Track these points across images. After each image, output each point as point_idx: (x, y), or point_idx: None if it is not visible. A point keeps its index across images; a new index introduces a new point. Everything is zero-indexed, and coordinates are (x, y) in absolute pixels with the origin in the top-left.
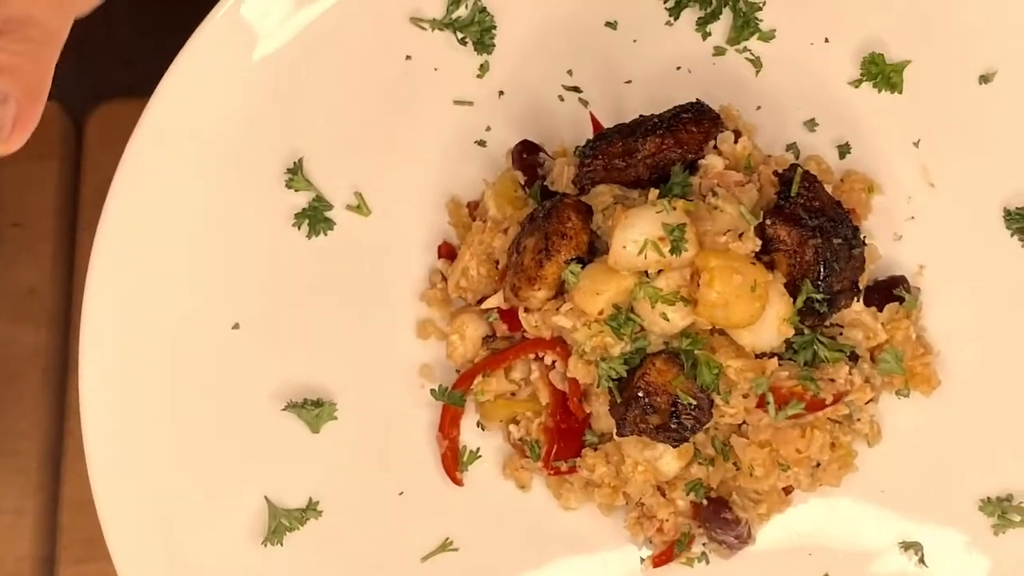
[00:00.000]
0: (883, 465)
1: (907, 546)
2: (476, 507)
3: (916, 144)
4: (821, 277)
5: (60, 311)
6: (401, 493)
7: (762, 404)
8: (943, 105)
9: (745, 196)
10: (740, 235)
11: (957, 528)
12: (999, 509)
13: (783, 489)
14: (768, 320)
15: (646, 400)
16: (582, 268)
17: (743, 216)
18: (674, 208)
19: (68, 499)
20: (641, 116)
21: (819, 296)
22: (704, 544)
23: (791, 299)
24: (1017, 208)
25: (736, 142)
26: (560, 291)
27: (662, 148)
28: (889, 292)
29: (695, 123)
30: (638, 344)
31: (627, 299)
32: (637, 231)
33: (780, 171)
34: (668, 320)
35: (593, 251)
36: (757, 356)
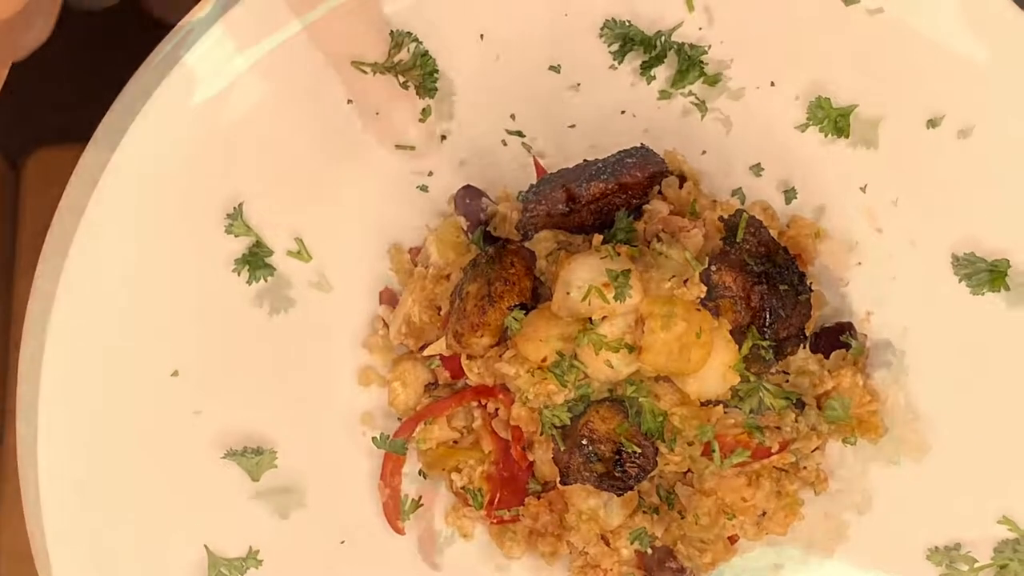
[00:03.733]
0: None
1: None
2: (418, 556)
3: (863, 189)
4: (767, 324)
5: None
6: (342, 542)
7: (707, 452)
8: (890, 150)
9: (690, 242)
10: (685, 281)
11: None
12: (947, 558)
13: (729, 538)
14: (713, 367)
15: (590, 448)
16: (525, 315)
17: (688, 262)
18: (618, 254)
19: (6, 550)
20: (585, 161)
21: (765, 343)
22: None
23: (736, 346)
24: (965, 254)
25: (681, 187)
26: (503, 338)
27: (606, 193)
28: (836, 339)
29: (639, 168)
30: (582, 391)
31: (571, 346)
32: (581, 277)
33: (725, 216)
34: (612, 367)
35: (536, 297)
36: (702, 403)
